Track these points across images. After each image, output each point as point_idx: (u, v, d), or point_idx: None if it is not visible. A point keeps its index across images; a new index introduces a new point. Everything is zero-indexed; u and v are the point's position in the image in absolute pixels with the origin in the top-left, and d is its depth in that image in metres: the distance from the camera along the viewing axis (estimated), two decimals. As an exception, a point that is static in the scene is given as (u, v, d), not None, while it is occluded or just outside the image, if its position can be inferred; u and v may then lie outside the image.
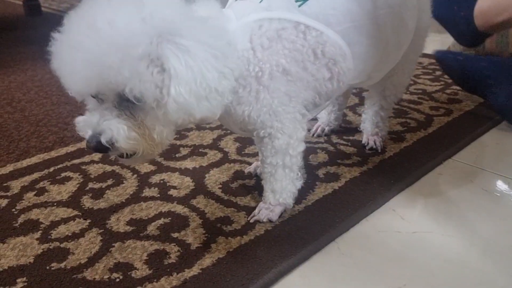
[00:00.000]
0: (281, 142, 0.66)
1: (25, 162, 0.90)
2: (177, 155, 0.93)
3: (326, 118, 1.01)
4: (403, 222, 0.73)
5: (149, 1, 0.53)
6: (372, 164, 0.88)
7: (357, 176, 0.84)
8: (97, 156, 0.93)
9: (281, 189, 0.70)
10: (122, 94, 0.52)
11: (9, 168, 0.88)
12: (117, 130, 0.54)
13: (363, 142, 0.96)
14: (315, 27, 0.65)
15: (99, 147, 0.54)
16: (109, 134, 0.54)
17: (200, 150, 0.96)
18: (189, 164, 0.90)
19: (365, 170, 0.86)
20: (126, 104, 0.54)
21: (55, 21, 2.00)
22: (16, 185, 0.82)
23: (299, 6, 0.65)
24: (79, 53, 0.51)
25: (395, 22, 0.73)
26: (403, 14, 0.74)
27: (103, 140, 0.54)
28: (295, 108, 0.66)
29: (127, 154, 0.57)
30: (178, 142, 0.99)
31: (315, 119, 1.01)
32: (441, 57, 1.20)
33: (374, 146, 0.94)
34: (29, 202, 0.77)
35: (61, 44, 0.54)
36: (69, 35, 0.53)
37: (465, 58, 1.16)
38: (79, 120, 0.57)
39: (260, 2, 0.65)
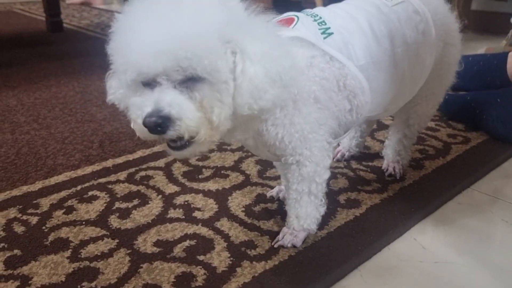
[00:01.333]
0: (308, 169, 0.68)
1: (53, 180, 0.92)
2: (200, 177, 0.96)
3: (347, 143, 1.03)
4: (424, 252, 0.74)
5: None
6: (392, 192, 0.89)
7: (378, 203, 0.85)
8: (122, 175, 0.95)
9: (306, 215, 0.72)
10: (192, 72, 0.51)
11: (38, 185, 0.90)
12: (185, 106, 0.51)
13: (383, 168, 0.98)
14: (338, 59, 0.68)
15: (159, 122, 0.50)
16: (176, 108, 0.51)
17: (222, 172, 0.98)
18: (212, 186, 0.92)
19: (385, 197, 0.88)
20: (186, 85, 0.52)
21: (76, 37, 2.08)
22: (45, 203, 0.84)
23: (324, 38, 0.68)
24: (162, 24, 0.50)
25: (412, 59, 0.76)
26: (420, 52, 0.77)
27: (172, 111, 0.50)
28: (323, 136, 0.68)
29: (181, 139, 0.54)
30: (200, 163, 1.01)
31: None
32: None
33: (393, 173, 0.96)
34: (58, 220, 0.79)
35: (134, 16, 0.53)
36: (148, 9, 0.52)
37: (450, 96, 1.25)
38: (134, 100, 0.54)
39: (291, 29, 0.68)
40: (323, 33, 0.69)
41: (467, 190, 0.93)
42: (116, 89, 0.60)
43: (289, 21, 0.69)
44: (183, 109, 0.51)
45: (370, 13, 0.73)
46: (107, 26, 2.41)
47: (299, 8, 0.66)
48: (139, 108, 0.53)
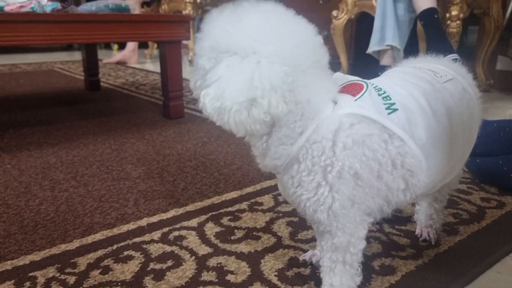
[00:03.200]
0: (341, 239, 0.68)
1: (90, 239, 0.95)
2: (232, 238, 0.96)
3: (378, 207, 1.02)
4: (465, 324, 0.71)
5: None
6: (428, 258, 0.88)
7: (413, 270, 0.84)
8: (156, 235, 0.97)
9: (340, 284, 0.71)
10: None
11: (76, 244, 0.93)
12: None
13: (416, 233, 0.97)
14: (400, 136, 0.67)
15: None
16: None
17: (254, 233, 0.98)
18: (244, 248, 0.92)
19: (420, 264, 0.86)
20: None
21: (112, 95, 2.21)
22: (82, 262, 0.86)
23: (389, 114, 0.68)
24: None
25: (465, 136, 0.76)
26: (472, 128, 0.78)
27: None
28: (356, 213, 0.67)
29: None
30: (232, 224, 1.02)
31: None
32: None
33: (428, 238, 0.94)
34: (95, 280, 0.81)
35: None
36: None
37: (481, 160, 1.25)
38: None
39: (355, 100, 0.68)
40: (387, 108, 0.68)
41: (506, 259, 0.90)
42: None
43: (357, 88, 0.70)
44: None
45: (426, 91, 0.73)
46: (141, 84, 2.55)
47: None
48: None
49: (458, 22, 2.19)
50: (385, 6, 2.19)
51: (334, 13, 2.72)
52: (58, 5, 1.75)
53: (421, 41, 2.30)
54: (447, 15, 2.20)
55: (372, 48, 2.26)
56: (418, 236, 0.96)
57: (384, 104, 0.68)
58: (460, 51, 2.12)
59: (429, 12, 2.01)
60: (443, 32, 2.03)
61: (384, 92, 0.70)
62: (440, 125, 0.71)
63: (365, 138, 0.65)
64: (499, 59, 2.71)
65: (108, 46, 5.35)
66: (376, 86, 0.71)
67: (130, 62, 3.92)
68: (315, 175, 0.65)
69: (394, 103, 0.69)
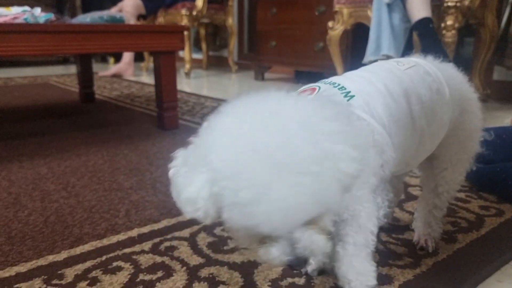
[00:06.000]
0: (364, 220, 0.69)
1: (79, 250, 0.92)
2: (225, 248, 0.94)
3: (375, 214, 1.00)
4: (465, 335, 0.69)
5: None
6: (426, 267, 0.85)
7: (411, 279, 0.81)
8: (147, 245, 0.94)
9: (366, 269, 0.72)
10: None
11: (64, 255, 0.90)
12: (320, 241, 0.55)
13: (414, 240, 0.94)
14: (364, 118, 0.70)
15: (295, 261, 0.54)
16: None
17: (247, 243, 0.96)
18: (237, 258, 0.90)
19: (418, 272, 0.84)
20: None
21: (106, 107, 2.19)
22: (70, 273, 0.84)
23: (347, 101, 0.71)
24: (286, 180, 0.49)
25: (428, 116, 0.78)
26: (436, 109, 0.79)
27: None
28: (369, 191, 0.69)
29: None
30: (225, 234, 1.00)
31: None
32: None
33: (424, 246, 0.92)
34: (82, 292, 0.78)
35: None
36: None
37: (479, 168, 1.21)
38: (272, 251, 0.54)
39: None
40: (345, 96, 0.72)
41: (506, 267, 0.88)
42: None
43: (312, 91, 0.72)
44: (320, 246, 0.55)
45: (384, 76, 0.77)
46: (137, 96, 2.53)
47: (321, 79, 0.69)
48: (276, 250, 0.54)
49: (453, 31, 2.19)
50: (380, 16, 2.19)
51: (330, 24, 2.73)
52: (51, 16, 1.74)
53: (417, 50, 2.30)
54: (442, 24, 2.21)
55: (368, 58, 2.25)
56: (415, 244, 0.93)
57: (341, 93, 0.72)
58: (457, 62, 2.11)
59: (423, 21, 2.01)
60: (438, 41, 2.03)
61: (339, 84, 0.74)
62: (399, 105, 0.74)
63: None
64: (496, 69, 2.71)
65: (104, 59, 5.36)
66: (331, 81, 0.75)
67: (126, 75, 3.92)
68: None
69: (349, 91, 0.72)
